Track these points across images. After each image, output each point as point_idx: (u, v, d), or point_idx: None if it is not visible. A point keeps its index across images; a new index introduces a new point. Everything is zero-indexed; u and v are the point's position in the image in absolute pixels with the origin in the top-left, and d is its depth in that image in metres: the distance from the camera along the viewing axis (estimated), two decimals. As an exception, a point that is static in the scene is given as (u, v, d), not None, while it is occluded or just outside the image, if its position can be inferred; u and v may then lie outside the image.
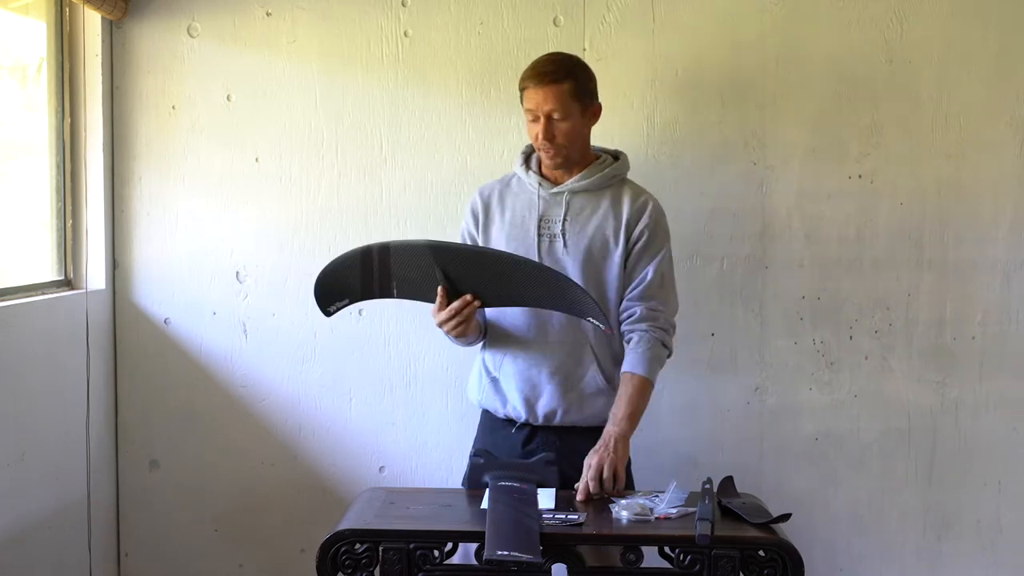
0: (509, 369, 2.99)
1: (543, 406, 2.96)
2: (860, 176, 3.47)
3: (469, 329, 2.89)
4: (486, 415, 3.09)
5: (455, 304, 2.84)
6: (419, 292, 2.91)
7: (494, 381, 3.01)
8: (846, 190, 3.47)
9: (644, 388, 2.88)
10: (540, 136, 2.93)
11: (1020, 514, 3.51)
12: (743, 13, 3.45)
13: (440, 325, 2.88)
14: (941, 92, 3.44)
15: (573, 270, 2.93)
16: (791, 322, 3.49)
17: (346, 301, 2.94)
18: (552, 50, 3.21)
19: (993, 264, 3.47)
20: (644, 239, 2.95)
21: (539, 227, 2.97)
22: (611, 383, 2.96)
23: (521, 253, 2.92)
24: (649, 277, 2.94)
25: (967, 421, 3.50)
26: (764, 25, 3.45)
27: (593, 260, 2.95)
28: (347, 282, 2.92)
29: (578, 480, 2.80)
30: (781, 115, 3.46)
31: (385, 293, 2.92)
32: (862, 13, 3.44)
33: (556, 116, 2.92)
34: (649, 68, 3.46)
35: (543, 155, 2.99)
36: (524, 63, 3.07)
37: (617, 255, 2.96)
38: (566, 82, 2.91)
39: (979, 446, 3.50)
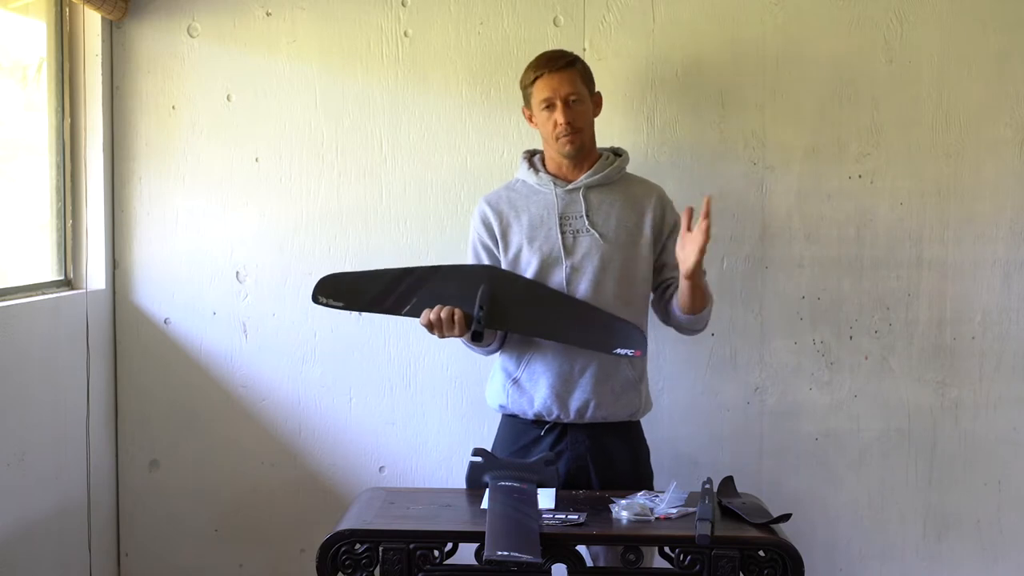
0: (537, 367, 2.98)
1: (576, 400, 2.95)
2: (860, 176, 3.47)
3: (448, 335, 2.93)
4: (509, 421, 3.06)
5: (444, 313, 2.88)
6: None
7: (516, 382, 3.00)
8: (846, 190, 3.47)
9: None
10: (561, 121, 2.95)
11: (1020, 514, 3.51)
12: (743, 13, 3.45)
13: (429, 324, 2.91)
14: (941, 92, 3.44)
15: (604, 262, 2.96)
16: (791, 322, 3.49)
17: (341, 304, 3.01)
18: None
19: (993, 264, 3.47)
20: (675, 230, 3.03)
21: (561, 225, 2.98)
22: (640, 378, 3.01)
23: (546, 252, 2.97)
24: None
25: (967, 421, 3.50)
26: (764, 25, 3.45)
27: (622, 251, 2.98)
28: (355, 292, 2.99)
29: (603, 477, 2.94)
30: (781, 115, 3.46)
31: (391, 311, 2.99)
32: (862, 13, 3.44)
33: (573, 99, 2.97)
34: (649, 68, 3.45)
35: (561, 144, 2.98)
36: (524, 63, 3.08)
37: (644, 246, 3.01)
38: (576, 66, 3.02)
39: (979, 446, 3.50)
